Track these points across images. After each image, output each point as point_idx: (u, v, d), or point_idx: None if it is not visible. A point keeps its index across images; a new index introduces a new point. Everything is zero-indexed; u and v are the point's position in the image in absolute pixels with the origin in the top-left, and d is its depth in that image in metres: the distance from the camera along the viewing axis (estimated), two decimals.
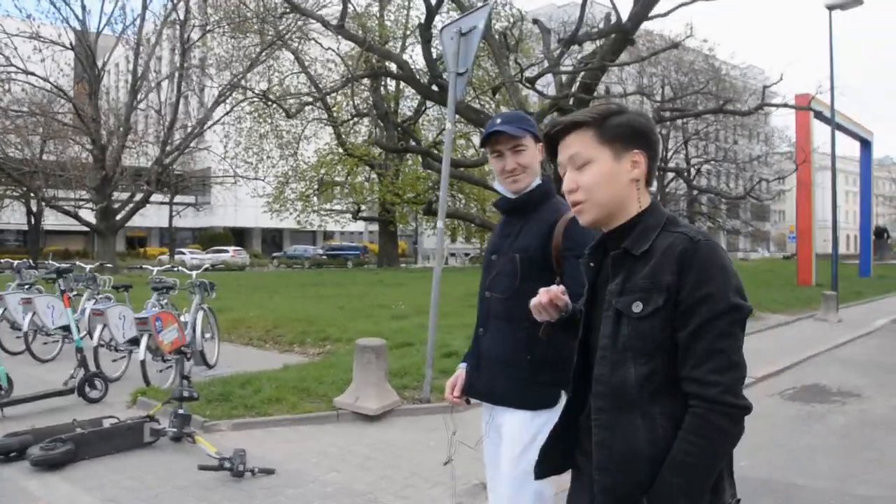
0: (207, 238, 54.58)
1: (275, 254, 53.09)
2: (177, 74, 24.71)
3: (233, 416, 6.06)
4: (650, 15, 13.20)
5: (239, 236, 57.92)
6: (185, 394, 5.18)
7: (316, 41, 25.75)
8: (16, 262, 12.49)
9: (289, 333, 10.51)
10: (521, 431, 2.42)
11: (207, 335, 8.48)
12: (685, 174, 18.40)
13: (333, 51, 25.98)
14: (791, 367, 9.29)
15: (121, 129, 24.11)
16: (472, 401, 2.69)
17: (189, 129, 25.28)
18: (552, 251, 2.42)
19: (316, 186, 33.85)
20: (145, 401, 6.70)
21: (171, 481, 4.78)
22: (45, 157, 25.39)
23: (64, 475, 4.89)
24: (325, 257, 48.15)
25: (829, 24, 17.01)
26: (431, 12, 15.09)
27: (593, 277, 1.84)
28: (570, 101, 14.18)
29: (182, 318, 7.83)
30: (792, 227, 79.79)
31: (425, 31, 15.16)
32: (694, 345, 1.57)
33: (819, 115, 24.46)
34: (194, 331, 8.01)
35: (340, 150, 32.72)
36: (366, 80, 33.17)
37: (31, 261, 13.16)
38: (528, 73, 14.68)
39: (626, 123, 1.73)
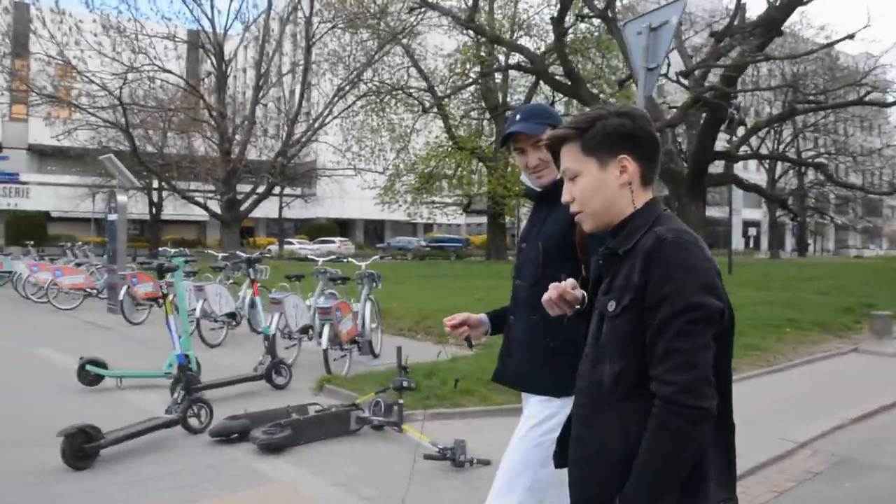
0: (313, 228, 55.99)
1: (378, 244, 54.02)
2: (300, 69, 25.42)
3: (427, 406, 6.16)
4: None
5: (342, 227, 59.20)
6: (405, 384, 5.30)
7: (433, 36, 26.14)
8: (172, 251, 13.17)
9: (438, 325, 10.60)
10: (536, 411, 2.46)
11: (373, 325, 8.68)
12: (825, 168, 17.66)
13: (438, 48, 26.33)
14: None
15: (245, 122, 25.03)
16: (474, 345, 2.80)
17: (310, 122, 25.95)
18: (576, 238, 2.40)
19: (425, 180, 34.13)
20: (332, 388, 6.92)
21: (391, 468, 4.89)
22: (173, 150, 26.74)
23: (287, 459, 5.09)
24: (427, 249, 48.67)
25: None
26: (565, 6, 14.94)
27: (596, 282, 1.86)
28: (710, 94, 13.80)
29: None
30: None
31: (558, 24, 15.02)
32: (655, 344, 1.57)
33: None
34: (363, 321, 8.22)
35: (451, 143, 32.92)
36: (472, 75, 33.36)
37: (183, 249, 13.80)
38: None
39: (606, 131, 1.74)
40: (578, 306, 1.99)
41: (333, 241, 46.76)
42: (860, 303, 14.20)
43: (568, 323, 2.06)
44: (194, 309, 9.94)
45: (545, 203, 2.63)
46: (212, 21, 24.12)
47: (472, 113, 35.94)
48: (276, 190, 40.40)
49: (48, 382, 7.31)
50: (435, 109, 29.55)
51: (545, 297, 2.00)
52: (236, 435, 5.37)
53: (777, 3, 12.70)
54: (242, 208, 24.94)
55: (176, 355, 5.66)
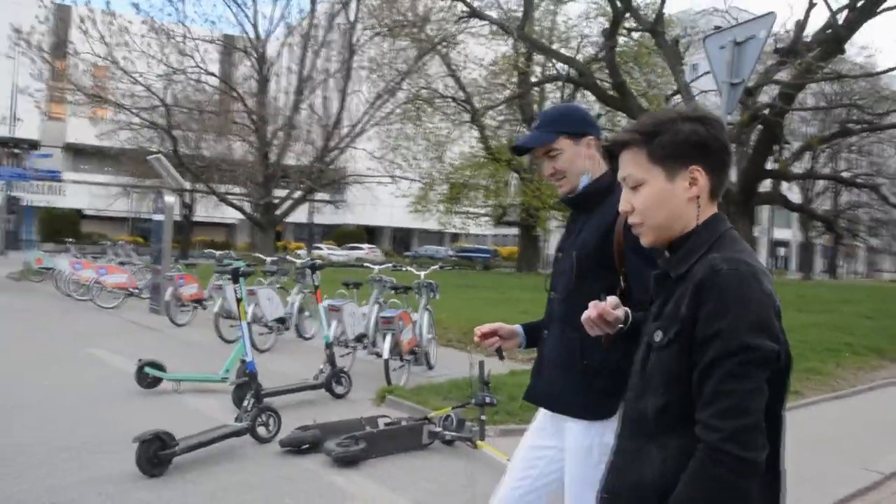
0: (342, 235, 56.08)
1: (406, 253, 54.00)
2: (339, 75, 25.49)
3: (496, 421, 5.98)
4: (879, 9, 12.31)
5: (370, 234, 59.25)
6: (487, 399, 5.12)
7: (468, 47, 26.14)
8: (217, 253, 13.12)
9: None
10: (577, 441, 2.27)
11: (429, 336, 8.52)
12: (878, 189, 17.25)
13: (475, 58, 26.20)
14: None
15: (285, 127, 25.10)
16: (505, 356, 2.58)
17: (350, 128, 25.97)
18: (613, 248, 2.22)
19: (458, 190, 34.06)
20: (394, 400, 6.77)
21: (471, 486, 4.72)
22: (205, 153, 26.89)
23: (362, 472, 4.93)
24: (454, 258, 48.61)
25: None
26: (617, 19, 14.79)
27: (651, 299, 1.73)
28: (767, 112, 13.56)
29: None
30: None
31: (610, 37, 14.86)
32: (702, 385, 1.45)
33: None
34: (422, 331, 8.06)
35: (485, 154, 32.83)
36: (510, 85, 33.22)
37: (230, 252, 13.77)
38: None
39: (677, 139, 1.59)
40: (621, 326, 1.88)
41: (362, 248, 46.82)
42: None
43: (606, 344, 1.94)
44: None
45: (582, 210, 2.44)
46: (254, 25, 24.28)
47: (506, 125, 35.80)
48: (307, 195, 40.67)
49: (106, 385, 7.23)
50: (471, 121, 29.52)
51: (584, 316, 1.86)
52: (307, 446, 5.22)
53: (842, 21, 12.42)
54: (278, 212, 24.98)
55: (248, 362, 5.52)
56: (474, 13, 17.19)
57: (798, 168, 36.97)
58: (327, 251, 45.05)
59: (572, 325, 2.24)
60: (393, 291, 7.97)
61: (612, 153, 1.75)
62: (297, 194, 25.95)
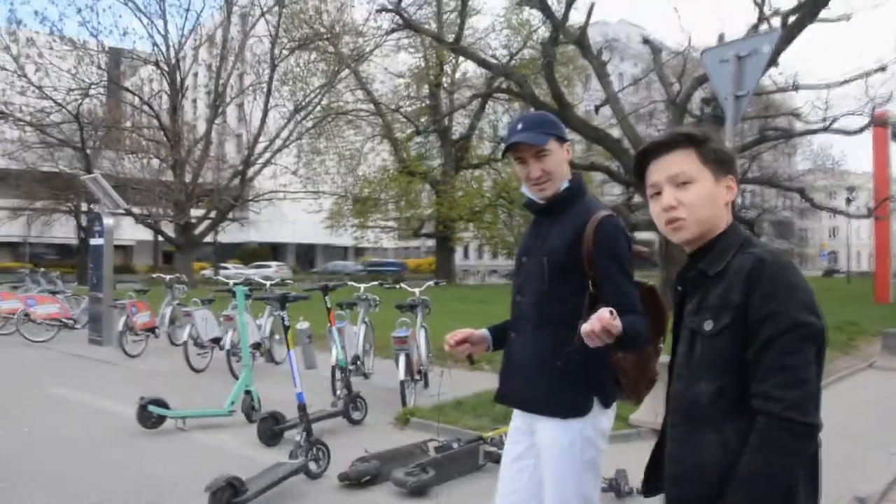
0: (246, 253, 54.59)
1: (312, 269, 53.11)
2: (264, 90, 24.74)
3: None
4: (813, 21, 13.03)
5: (274, 251, 57.95)
6: None
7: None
8: (168, 278, 12.42)
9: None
10: (555, 440, 2.33)
11: (367, 347, 8.43)
12: (804, 193, 18.27)
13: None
14: None
15: (200, 144, 24.13)
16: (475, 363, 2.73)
17: (268, 143, 25.22)
18: (583, 253, 2.31)
19: (372, 204, 33.83)
20: (420, 422, 6.55)
21: None
22: (124, 172, 25.47)
23: (432, 500, 4.72)
24: (363, 273, 48.11)
25: None
26: (558, 29, 15.03)
27: (680, 302, 1.87)
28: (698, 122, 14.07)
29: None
30: (824, 245, 79.68)
31: (550, 47, 15.07)
32: (760, 361, 1.58)
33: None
34: (422, 350, 7.85)
35: (398, 167, 32.78)
36: (420, 96, 33.36)
37: (181, 276, 13.11)
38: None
39: (721, 149, 1.80)
40: (619, 335, 1.94)
41: (270, 266, 45.66)
42: (844, 321, 14.71)
43: (577, 345, 1.99)
44: (218, 338, 9.43)
45: (547, 216, 2.49)
46: (165, 37, 23.18)
47: (417, 138, 35.89)
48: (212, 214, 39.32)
49: (100, 428, 6.61)
50: (384, 134, 29.41)
51: (586, 328, 1.90)
52: (368, 477, 4.96)
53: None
54: (197, 232, 23.94)
55: (297, 394, 5.18)
56: (409, 25, 17.08)
57: None
58: (234, 270, 43.65)
59: (544, 327, 2.37)
60: (400, 311, 7.74)
61: (647, 155, 1.84)
62: (215, 213, 24.92)
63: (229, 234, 50.56)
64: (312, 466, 5.11)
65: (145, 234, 28.99)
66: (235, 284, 7.89)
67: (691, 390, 1.71)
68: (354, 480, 4.93)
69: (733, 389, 1.63)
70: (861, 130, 17.37)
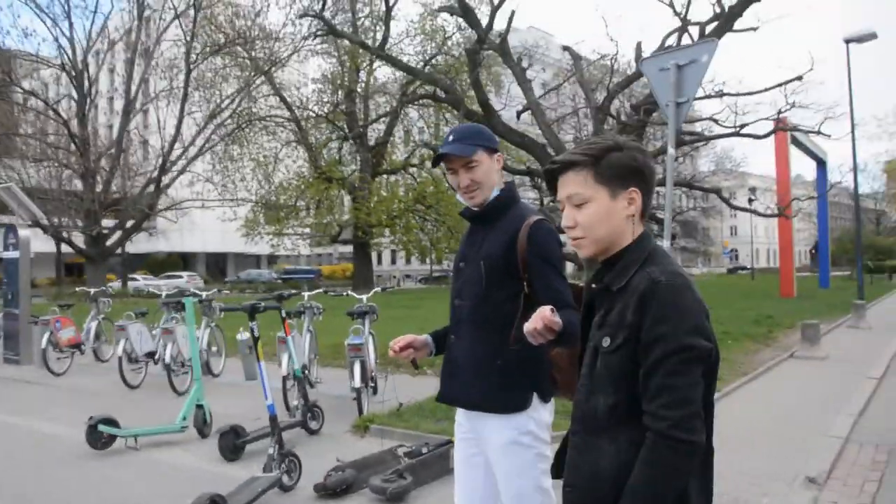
0: (155, 263, 52.72)
1: (227, 279, 51.80)
2: (180, 95, 23.93)
3: None
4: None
5: (184, 261, 56.19)
6: None
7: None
8: (92, 291, 11.89)
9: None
10: (500, 435, 2.44)
11: (312, 356, 8.42)
12: (720, 192, 19.14)
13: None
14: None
15: (111, 151, 23.15)
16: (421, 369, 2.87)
17: (183, 150, 24.41)
18: (517, 256, 2.44)
19: (290, 211, 33.31)
20: (382, 428, 6.51)
21: None
22: (33, 181, 24.06)
23: None
24: (279, 281, 47.26)
25: (847, 58, 18.06)
26: (482, 38, 15.22)
27: (587, 315, 1.93)
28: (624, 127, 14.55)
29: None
30: (726, 243, 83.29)
31: (474, 54, 15.24)
32: (650, 381, 1.65)
33: (794, 141, 26.02)
34: (370, 357, 7.78)
35: (315, 172, 32.41)
36: (335, 101, 33.08)
37: (107, 289, 12.56)
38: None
39: (622, 163, 1.80)
40: (559, 330, 2.02)
41: (181, 276, 44.27)
42: (761, 315, 15.47)
43: (513, 343, 2.13)
44: (152, 352, 9.19)
45: (481, 223, 2.61)
46: (70, 40, 22.11)
47: (332, 143, 35.56)
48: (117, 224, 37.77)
49: (43, 453, 6.28)
50: (298, 140, 29.02)
51: (529, 327, 1.98)
52: (344, 486, 4.92)
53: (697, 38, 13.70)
54: (109, 243, 22.94)
55: (268, 406, 5.08)
56: (332, 31, 16.91)
57: None
58: (143, 282, 42.11)
59: (483, 328, 2.48)
60: (352, 318, 7.65)
61: (551, 175, 1.87)
62: (130, 223, 23.94)
63: (136, 244, 48.78)
64: (285, 479, 5.02)
65: (45, 246, 27.50)
66: (172, 295, 7.65)
67: (590, 403, 1.77)
68: (332, 490, 4.89)
69: (627, 405, 1.69)
70: (768, 135, 18.30)
